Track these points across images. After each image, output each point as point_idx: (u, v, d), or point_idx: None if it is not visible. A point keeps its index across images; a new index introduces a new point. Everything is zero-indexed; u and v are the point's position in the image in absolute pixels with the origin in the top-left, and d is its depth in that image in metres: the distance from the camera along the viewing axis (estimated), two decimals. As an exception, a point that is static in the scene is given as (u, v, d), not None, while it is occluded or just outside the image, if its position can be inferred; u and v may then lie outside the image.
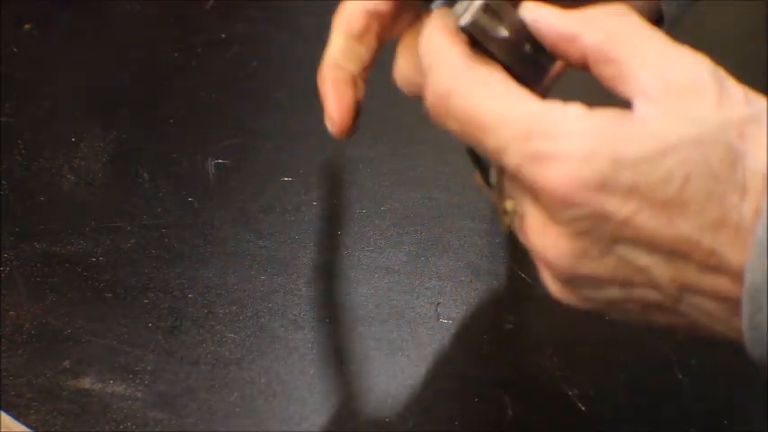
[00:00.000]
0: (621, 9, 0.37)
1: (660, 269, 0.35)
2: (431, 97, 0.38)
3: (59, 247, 0.62)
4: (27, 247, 0.62)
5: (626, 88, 0.36)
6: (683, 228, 0.34)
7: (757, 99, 0.36)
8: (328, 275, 0.61)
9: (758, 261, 0.33)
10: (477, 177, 0.44)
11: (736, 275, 0.34)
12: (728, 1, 0.86)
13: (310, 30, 0.80)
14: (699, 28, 0.84)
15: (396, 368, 0.55)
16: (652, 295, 0.36)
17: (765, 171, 0.34)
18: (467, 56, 0.38)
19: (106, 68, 0.78)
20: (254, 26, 0.82)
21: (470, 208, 0.65)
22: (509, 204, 0.39)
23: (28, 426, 0.52)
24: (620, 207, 0.34)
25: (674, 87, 0.35)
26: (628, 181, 0.34)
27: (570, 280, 0.37)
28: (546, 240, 0.37)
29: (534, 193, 0.36)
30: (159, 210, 0.65)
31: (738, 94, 0.35)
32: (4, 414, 0.52)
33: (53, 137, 0.71)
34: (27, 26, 0.81)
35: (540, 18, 0.38)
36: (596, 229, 0.35)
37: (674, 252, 0.35)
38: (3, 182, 0.67)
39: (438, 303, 0.59)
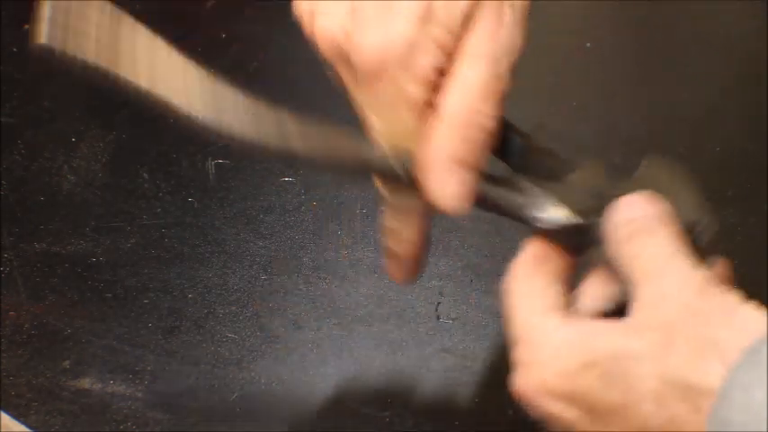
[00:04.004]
0: (652, 229, 0.42)
1: None
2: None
3: (59, 247, 0.62)
4: (27, 247, 0.62)
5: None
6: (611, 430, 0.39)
7: (713, 309, 0.39)
8: (328, 275, 0.61)
9: None
10: None
11: None
12: (728, 1, 0.86)
13: (310, 30, 0.80)
14: (699, 28, 0.84)
15: (396, 368, 0.55)
16: None
17: (680, 381, 0.38)
18: (533, 255, 0.44)
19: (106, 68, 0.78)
20: (254, 26, 0.82)
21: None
22: None
23: (28, 426, 0.52)
24: (564, 411, 0.40)
25: (642, 303, 0.40)
26: (565, 389, 0.39)
27: None
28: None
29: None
30: (159, 210, 0.65)
31: (691, 306, 0.39)
32: (4, 414, 0.52)
33: (53, 137, 0.71)
34: (27, 26, 0.81)
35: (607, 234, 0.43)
36: (558, 426, 0.41)
37: None
38: (3, 182, 0.67)
39: (438, 303, 0.59)
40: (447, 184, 0.43)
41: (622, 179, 0.46)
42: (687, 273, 0.40)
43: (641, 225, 0.42)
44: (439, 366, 0.56)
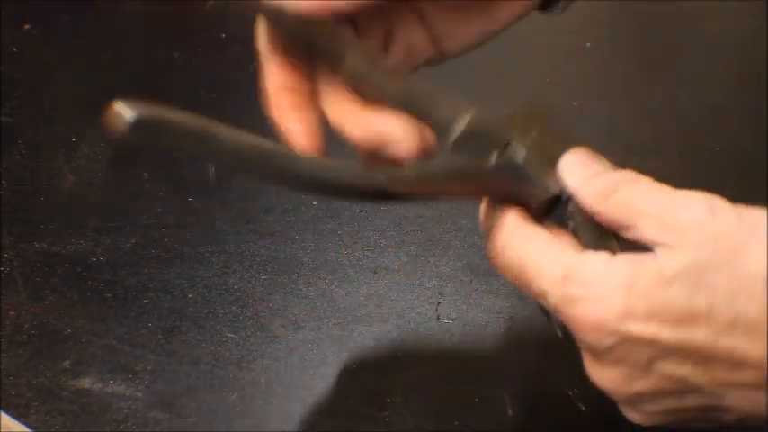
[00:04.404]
0: (630, 178, 0.44)
1: (696, 374, 0.41)
2: (491, 252, 0.46)
3: (59, 247, 0.62)
4: (27, 247, 0.62)
5: (645, 241, 0.43)
6: (699, 335, 0.40)
7: (748, 215, 0.42)
8: (328, 275, 0.61)
9: None
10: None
11: (761, 367, 0.40)
12: (728, 1, 0.86)
13: (310, 30, 0.80)
14: (699, 28, 0.84)
15: (395, 368, 0.55)
16: (700, 399, 0.43)
17: (761, 272, 0.40)
18: (520, 217, 0.45)
19: (106, 68, 0.78)
20: (254, 26, 0.82)
21: (470, 208, 0.64)
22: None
23: (28, 426, 0.52)
24: (643, 329, 0.41)
25: (676, 230, 0.42)
26: (643, 308, 0.41)
27: (629, 401, 0.44)
28: (599, 373, 0.44)
29: (575, 333, 0.43)
30: (159, 210, 0.65)
31: (730, 216, 0.42)
32: (4, 414, 0.52)
33: (53, 137, 0.71)
34: (27, 26, 0.81)
35: (577, 194, 0.45)
36: (631, 352, 0.42)
37: (701, 357, 0.41)
38: (3, 182, 0.67)
39: (438, 303, 0.59)
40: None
41: (518, 135, 0.46)
42: (700, 196, 0.42)
43: (616, 178, 0.45)
44: (439, 366, 0.56)
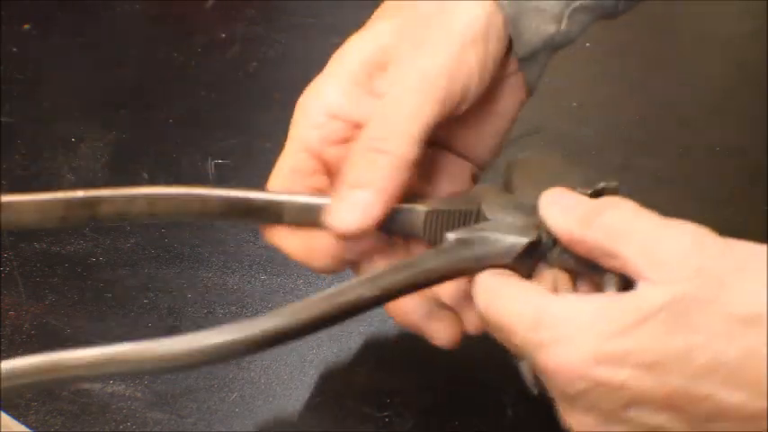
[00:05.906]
0: (614, 202, 0.43)
1: (673, 423, 0.39)
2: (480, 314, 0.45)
3: (59, 247, 0.62)
4: (27, 247, 0.62)
5: (628, 272, 0.41)
6: (674, 380, 0.38)
7: (737, 248, 0.40)
8: (328, 275, 0.60)
9: None
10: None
11: (740, 418, 0.38)
12: (728, 1, 0.86)
13: (310, 30, 0.80)
14: (699, 28, 0.84)
15: (395, 368, 0.55)
16: None
17: (744, 313, 0.38)
18: (492, 273, 0.44)
19: (106, 68, 0.78)
20: (254, 26, 0.82)
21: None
22: None
23: (28, 426, 0.52)
24: (612, 375, 0.39)
25: (660, 262, 0.40)
26: (613, 351, 0.39)
27: None
28: (574, 420, 0.41)
29: (547, 379, 0.41)
30: (159, 210, 0.65)
31: (717, 250, 0.40)
32: (4, 414, 0.52)
33: (53, 137, 0.71)
34: (27, 26, 0.81)
35: (553, 225, 0.44)
36: (603, 398, 0.39)
37: (675, 405, 0.38)
38: (3, 182, 0.67)
39: (438, 303, 0.59)
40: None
41: (512, 189, 0.48)
42: (689, 228, 0.40)
43: (599, 203, 0.43)
44: (439, 367, 0.56)
